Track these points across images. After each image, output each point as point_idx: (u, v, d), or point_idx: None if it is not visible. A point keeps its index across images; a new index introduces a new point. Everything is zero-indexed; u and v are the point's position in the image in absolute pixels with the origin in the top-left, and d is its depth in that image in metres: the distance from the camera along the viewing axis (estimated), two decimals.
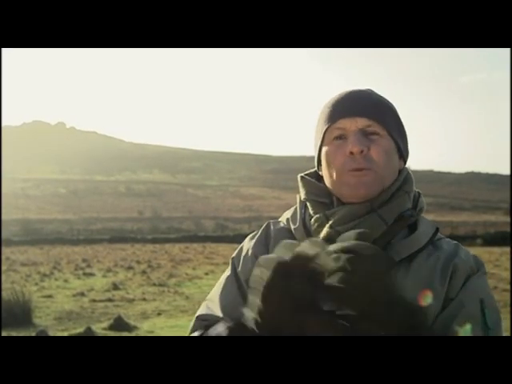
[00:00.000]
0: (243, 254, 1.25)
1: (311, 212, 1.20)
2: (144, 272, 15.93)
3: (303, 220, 1.21)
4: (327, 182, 1.20)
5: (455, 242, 1.23)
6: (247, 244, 1.26)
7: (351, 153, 1.13)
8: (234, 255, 1.27)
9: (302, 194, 1.24)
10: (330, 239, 1.11)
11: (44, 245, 34.64)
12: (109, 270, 16.54)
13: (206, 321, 1.19)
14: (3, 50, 1.45)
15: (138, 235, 44.19)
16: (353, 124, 1.15)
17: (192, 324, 1.25)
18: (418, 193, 1.26)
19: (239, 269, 1.23)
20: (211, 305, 1.23)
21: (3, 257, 20.13)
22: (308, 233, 1.18)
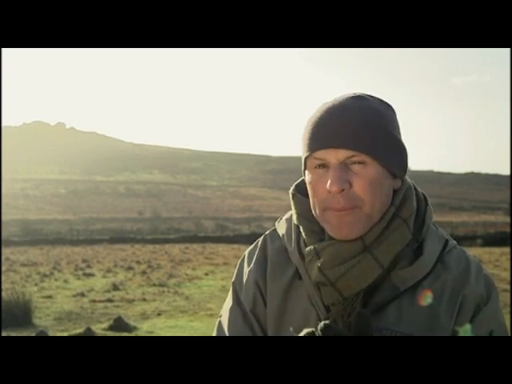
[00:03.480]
0: (244, 279, 1.21)
1: (304, 238, 1.15)
2: (144, 272, 15.91)
3: (298, 243, 1.16)
4: (313, 209, 1.12)
5: (465, 254, 1.14)
6: (246, 268, 1.23)
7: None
8: (234, 279, 1.24)
9: (295, 217, 1.18)
10: (321, 283, 1.08)
11: (44, 245, 34.59)
12: (109, 271, 16.51)
13: None
14: (3, 50, 1.44)
15: (137, 235, 44.12)
16: (333, 156, 1.05)
17: None
18: (425, 204, 1.16)
19: (242, 297, 1.20)
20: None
21: (3, 257, 20.10)
22: (303, 258, 1.13)
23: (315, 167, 1.08)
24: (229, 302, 1.22)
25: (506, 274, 13.07)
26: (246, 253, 1.25)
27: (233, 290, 1.22)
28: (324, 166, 1.07)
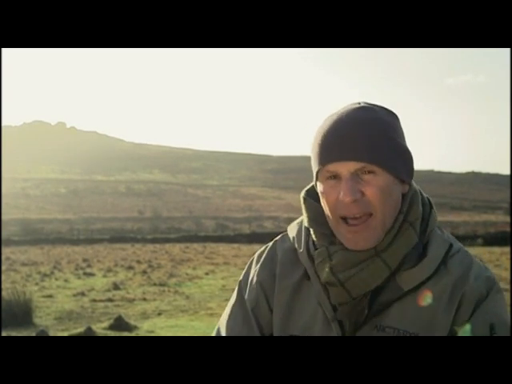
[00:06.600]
0: (249, 279, 1.25)
1: (315, 240, 1.18)
2: (144, 272, 15.92)
3: (307, 245, 1.19)
4: (327, 218, 1.15)
5: (469, 257, 1.16)
6: (254, 268, 1.26)
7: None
8: (241, 278, 1.27)
9: (305, 220, 1.21)
10: (331, 283, 1.11)
11: (44, 245, 34.60)
12: (109, 270, 16.52)
13: None
14: (3, 50, 1.45)
15: (138, 235, 44.13)
16: (344, 168, 1.09)
17: None
18: (430, 208, 1.19)
19: (246, 296, 1.23)
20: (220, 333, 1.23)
21: (3, 257, 20.12)
22: (312, 260, 1.17)
23: (327, 178, 1.12)
24: (232, 299, 1.26)
25: (507, 274, 13.07)
26: (256, 254, 1.29)
27: (238, 288, 1.26)
28: (335, 176, 1.11)
